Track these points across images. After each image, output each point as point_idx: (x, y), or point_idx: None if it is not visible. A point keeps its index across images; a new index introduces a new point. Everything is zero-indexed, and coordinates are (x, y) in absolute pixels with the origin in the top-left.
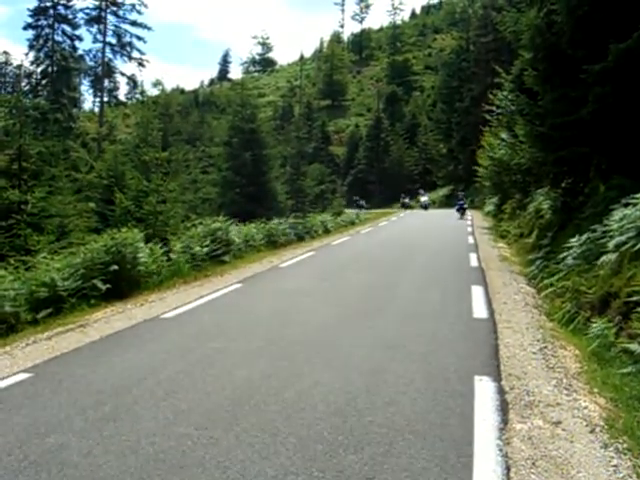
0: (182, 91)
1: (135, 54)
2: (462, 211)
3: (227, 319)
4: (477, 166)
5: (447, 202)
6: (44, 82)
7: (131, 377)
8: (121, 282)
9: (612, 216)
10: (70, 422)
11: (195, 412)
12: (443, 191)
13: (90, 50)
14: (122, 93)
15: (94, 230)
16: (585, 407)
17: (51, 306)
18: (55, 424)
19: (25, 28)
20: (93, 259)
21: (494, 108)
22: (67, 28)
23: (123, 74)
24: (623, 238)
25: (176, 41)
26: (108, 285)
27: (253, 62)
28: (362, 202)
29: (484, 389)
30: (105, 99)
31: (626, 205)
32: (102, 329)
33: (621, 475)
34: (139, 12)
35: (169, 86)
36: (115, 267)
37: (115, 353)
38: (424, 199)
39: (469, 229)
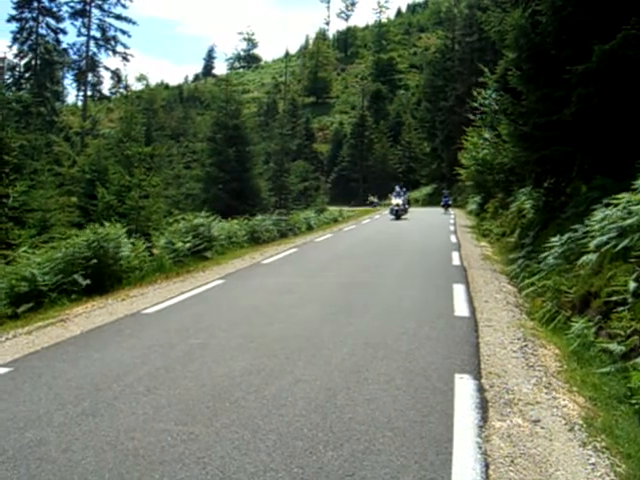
0: (166, 86)
1: (119, 48)
2: (446, 207)
3: (208, 315)
4: (460, 166)
5: (430, 200)
6: (27, 75)
7: (111, 372)
8: (103, 277)
9: (593, 216)
10: (49, 417)
11: (175, 408)
12: (427, 190)
13: (74, 44)
14: (106, 87)
15: (76, 225)
16: (564, 406)
17: (32, 300)
18: (34, 419)
19: (9, 20)
20: (74, 254)
21: (477, 105)
22: (51, 21)
23: (107, 68)
24: (604, 238)
25: (161, 36)
26: (88, 280)
27: (238, 58)
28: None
29: (464, 387)
30: (89, 93)
31: (607, 205)
32: (83, 324)
33: (599, 473)
34: (124, 6)
35: (153, 81)
36: (95, 261)
37: (96, 348)
38: (396, 202)
39: (452, 228)
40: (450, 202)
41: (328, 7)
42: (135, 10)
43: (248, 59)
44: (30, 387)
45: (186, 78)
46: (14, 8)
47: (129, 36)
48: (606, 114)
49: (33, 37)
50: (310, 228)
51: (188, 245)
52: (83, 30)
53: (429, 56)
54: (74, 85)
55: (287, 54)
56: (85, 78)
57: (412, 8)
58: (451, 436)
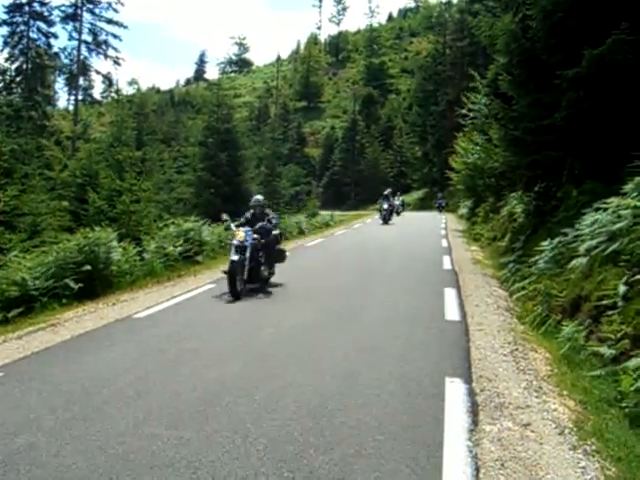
0: (158, 90)
1: (111, 52)
2: (441, 209)
3: (199, 319)
4: (451, 170)
5: (422, 205)
6: (18, 79)
7: (102, 377)
8: (93, 281)
9: (583, 220)
10: (40, 422)
11: (165, 412)
12: (418, 194)
13: (65, 48)
14: (97, 91)
15: (67, 229)
16: (554, 409)
17: (22, 305)
18: (24, 424)
19: (0, 25)
20: (65, 258)
21: (467, 111)
22: (42, 25)
23: (98, 72)
24: (594, 242)
25: (152, 41)
26: (80, 284)
27: (229, 62)
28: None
29: (455, 391)
30: (80, 97)
31: (597, 209)
32: (73, 328)
33: (589, 477)
34: (115, 10)
35: (145, 85)
36: (88, 267)
37: (86, 353)
38: (240, 236)
39: (443, 232)
40: (444, 204)
41: (320, 12)
42: (125, 15)
43: (240, 63)
44: (20, 392)
45: (177, 82)
46: (5, 12)
47: (120, 40)
48: (596, 118)
49: (24, 41)
50: (301, 232)
51: (179, 249)
52: (74, 34)
53: (420, 60)
54: (65, 89)
55: (279, 58)
56: (76, 82)
57: (403, 13)
58: (442, 440)
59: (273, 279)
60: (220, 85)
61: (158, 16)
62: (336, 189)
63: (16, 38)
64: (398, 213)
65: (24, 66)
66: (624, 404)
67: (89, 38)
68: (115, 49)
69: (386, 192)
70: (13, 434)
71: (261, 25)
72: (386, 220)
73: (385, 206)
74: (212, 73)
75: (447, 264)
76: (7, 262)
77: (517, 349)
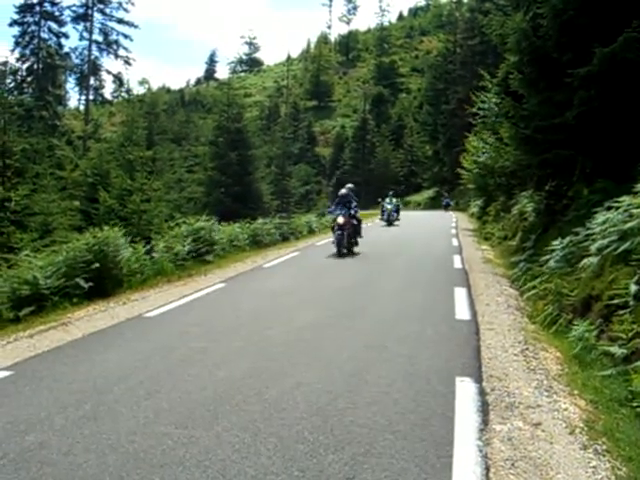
0: (168, 90)
1: (121, 52)
2: (447, 207)
3: (209, 319)
4: (462, 169)
5: (432, 204)
6: (29, 79)
7: (112, 376)
8: (104, 281)
9: (595, 219)
10: (50, 420)
11: (176, 411)
12: (428, 193)
13: (76, 48)
14: (108, 91)
15: (78, 228)
16: (565, 409)
17: (33, 304)
18: (35, 422)
19: (11, 25)
20: (76, 257)
21: (477, 110)
22: (53, 25)
23: (109, 72)
24: (605, 242)
25: (163, 40)
26: (91, 283)
27: (240, 62)
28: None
29: (465, 390)
30: (91, 97)
31: (609, 208)
32: (84, 327)
33: (600, 476)
34: (126, 10)
35: (155, 85)
36: (97, 265)
37: (97, 352)
38: None
39: (453, 231)
40: (451, 203)
41: (330, 11)
42: (135, 14)
43: (250, 63)
44: (31, 391)
45: (188, 82)
46: (16, 12)
47: (131, 40)
48: (608, 117)
49: (35, 41)
50: (312, 232)
51: (187, 248)
52: (85, 34)
53: (431, 59)
54: (76, 89)
55: (289, 58)
56: (87, 82)
57: (414, 11)
58: (452, 439)
59: (279, 277)
60: (230, 84)
61: (168, 16)
62: None
63: (27, 38)
64: (390, 222)
65: (35, 66)
66: (635, 404)
67: (100, 38)
68: (126, 49)
69: (343, 191)
70: (24, 432)
71: (271, 24)
72: (341, 249)
73: (340, 220)
74: (222, 72)
75: (457, 263)
76: (18, 261)
77: (528, 348)
